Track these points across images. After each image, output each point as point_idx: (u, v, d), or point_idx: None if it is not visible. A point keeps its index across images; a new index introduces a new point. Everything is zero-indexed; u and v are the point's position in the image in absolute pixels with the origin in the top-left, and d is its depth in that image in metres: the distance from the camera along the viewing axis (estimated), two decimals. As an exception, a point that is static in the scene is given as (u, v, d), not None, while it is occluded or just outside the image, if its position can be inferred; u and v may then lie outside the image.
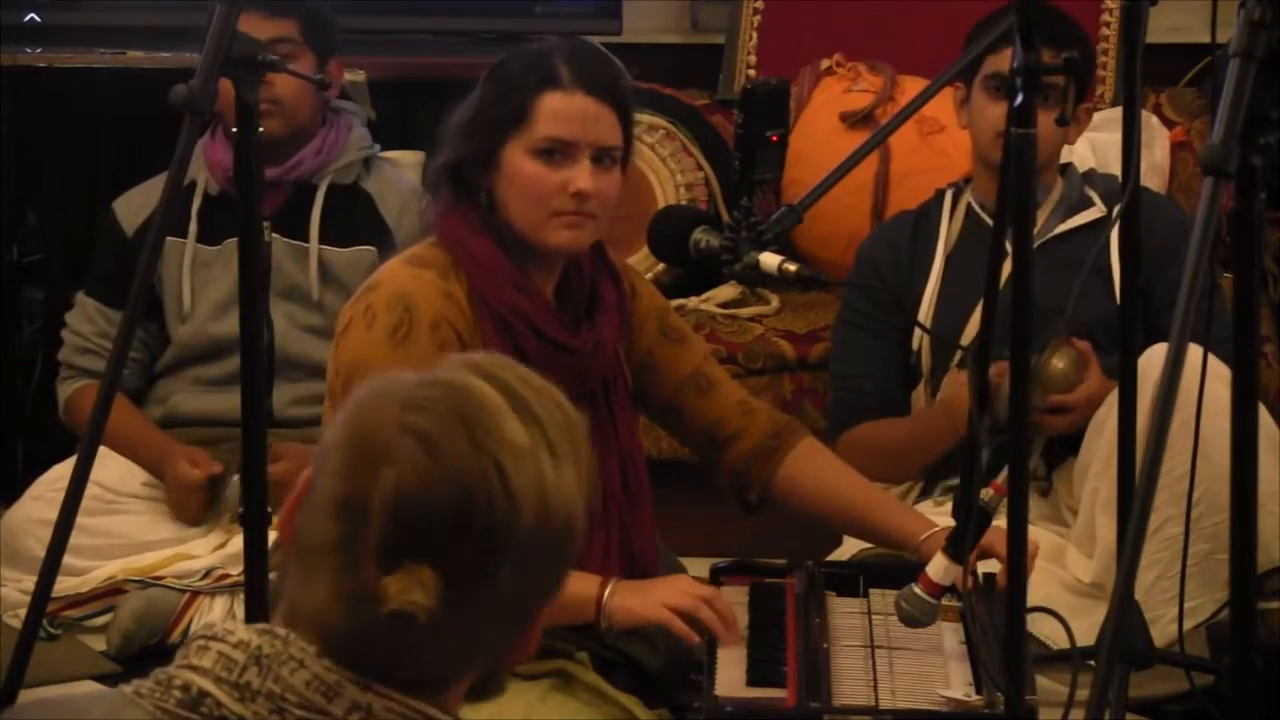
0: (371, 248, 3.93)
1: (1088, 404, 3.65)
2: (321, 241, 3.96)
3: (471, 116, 3.01)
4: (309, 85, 3.89)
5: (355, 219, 3.99)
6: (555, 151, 2.96)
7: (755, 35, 5.00)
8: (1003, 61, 3.62)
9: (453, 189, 3.02)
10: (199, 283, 3.98)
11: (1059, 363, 3.61)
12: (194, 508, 3.90)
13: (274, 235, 3.95)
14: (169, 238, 3.95)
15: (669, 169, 4.64)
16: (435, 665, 1.62)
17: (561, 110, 2.96)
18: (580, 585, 2.95)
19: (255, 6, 3.76)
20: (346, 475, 1.60)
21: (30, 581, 3.23)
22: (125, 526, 3.89)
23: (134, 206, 4.03)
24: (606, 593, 2.94)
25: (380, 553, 1.58)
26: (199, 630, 1.65)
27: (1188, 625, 3.34)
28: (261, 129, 3.74)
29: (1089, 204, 3.95)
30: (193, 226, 3.97)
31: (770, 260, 2.76)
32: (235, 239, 3.82)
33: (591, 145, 2.97)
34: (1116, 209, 3.86)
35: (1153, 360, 3.27)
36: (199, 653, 1.63)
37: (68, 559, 3.00)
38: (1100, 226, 3.89)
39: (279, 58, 3.70)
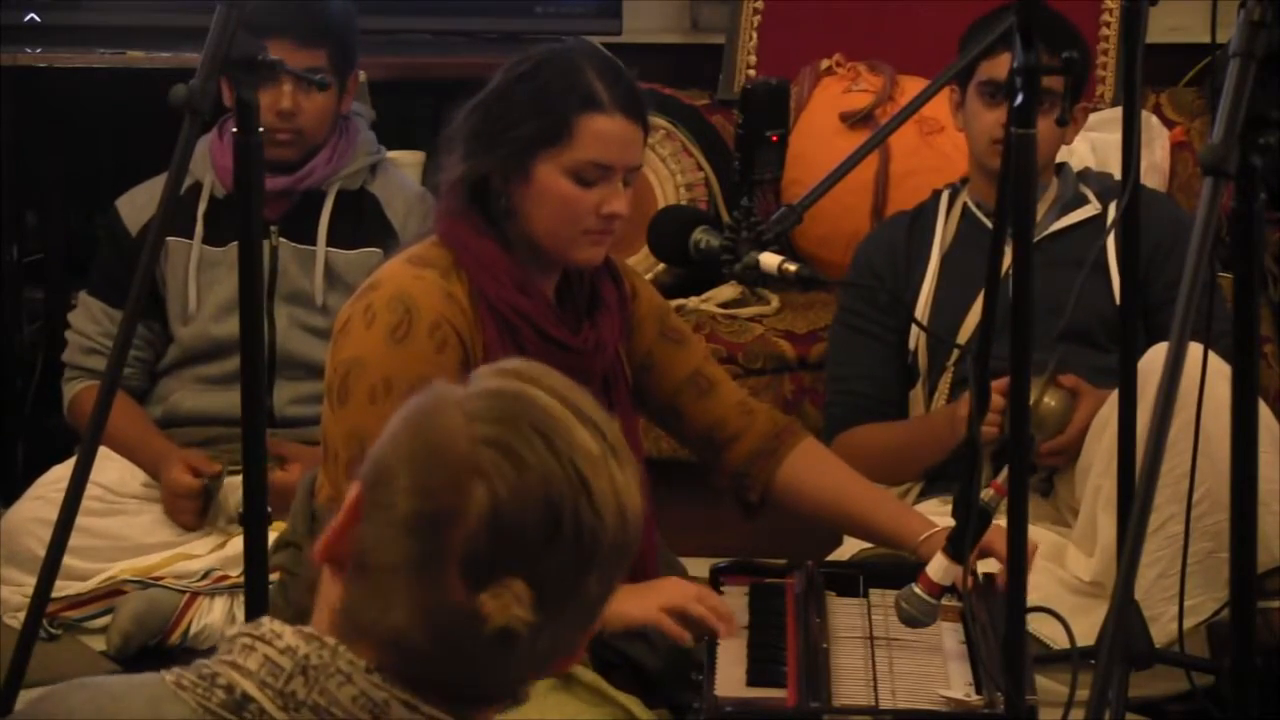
0: (377, 249, 3.92)
1: (1083, 433, 3.67)
2: (328, 244, 3.96)
3: (499, 128, 2.98)
4: (329, 110, 3.91)
5: (361, 222, 3.98)
6: (594, 176, 2.96)
7: (755, 35, 5.00)
8: (996, 68, 3.64)
9: (469, 196, 3.01)
10: (204, 284, 3.97)
11: (1050, 401, 3.64)
12: (189, 513, 3.89)
13: (281, 240, 3.95)
14: (174, 239, 3.95)
15: (669, 169, 4.64)
16: (513, 677, 1.61)
17: (605, 134, 2.94)
18: None
19: (286, 37, 3.75)
20: (425, 492, 1.57)
21: (30, 582, 3.24)
22: (126, 528, 3.89)
23: (138, 206, 4.02)
24: None
25: (468, 568, 1.56)
26: (245, 627, 1.63)
27: (1189, 624, 3.34)
28: (277, 154, 3.78)
29: (1084, 201, 3.95)
30: (198, 228, 3.96)
31: (770, 260, 2.76)
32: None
33: (626, 168, 2.98)
34: (1112, 206, 3.88)
35: (1154, 361, 3.28)
36: (244, 652, 1.61)
37: (68, 560, 3.00)
38: (1095, 223, 3.90)
39: (306, 82, 3.76)
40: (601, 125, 2.95)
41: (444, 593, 1.56)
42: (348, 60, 3.97)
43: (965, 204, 3.97)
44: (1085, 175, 4.02)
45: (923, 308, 3.91)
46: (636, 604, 2.94)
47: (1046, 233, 3.89)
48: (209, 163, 3.96)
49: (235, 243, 3.70)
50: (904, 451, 3.86)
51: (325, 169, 3.96)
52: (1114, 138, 3.70)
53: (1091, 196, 3.95)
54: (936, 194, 4.04)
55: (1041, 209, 3.91)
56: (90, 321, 4.05)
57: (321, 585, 1.65)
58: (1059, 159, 3.97)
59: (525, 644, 1.57)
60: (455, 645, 1.57)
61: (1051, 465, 3.74)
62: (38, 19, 4.88)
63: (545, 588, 1.57)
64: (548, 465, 1.57)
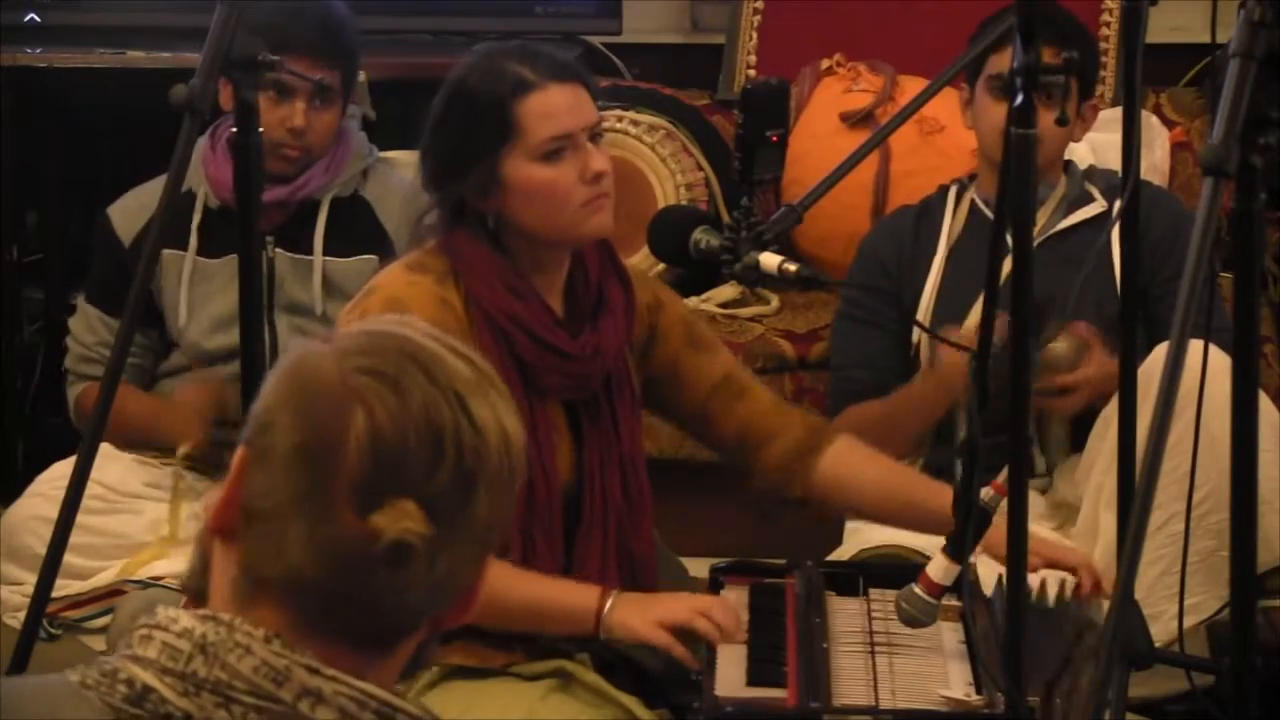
0: (373, 256, 3.92)
1: (1090, 385, 3.67)
2: (324, 254, 3.95)
3: (455, 150, 2.99)
4: (336, 125, 3.92)
5: (356, 228, 3.98)
6: (559, 149, 2.96)
7: (755, 35, 5.00)
8: (1005, 63, 3.63)
9: (454, 217, 3.02)
10: (198, 297, 3.96)
11: (1059, 345, 3.63)
12: (192, 421, 3.88)
13: (277, 250, 3.94)
14: (168, 250, 3.93)
15: (669, 169, 4.64)
16: (408, 609, 1.62)
17: (547, 108, 2.95)
18: (579, 597, 2.94)
19: (302, 54, 3.74)
20: (305, 425, 1.59)
21: (30, 579, 3.24)
22: (126, 526, 3.89)
23: (129, 213, 4.01)
24: (607, 606, 2.93)
25: (357, 494, 1.57)
26: (142, 619, 1.63)
27: (1191, 622, 3.34)
28: (280, 168, 3.79)
29: (1090, 199, 3.96)
30: (193, 240, 3.96)
31: (770, 260, 2.76)
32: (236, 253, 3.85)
33: (585, 128, 2.98)
34: (1118, 204, 3.88)
35: (1158, 363, 3.28)
36: (142, 642, 1.61)
37: (68, 558, 3.00)
38: (1102, 221, 3.90)
39: (318, 100, 3.78)
40: (539, 102, 2.95)
41: (335, 522, 1.57)
42: (355, 76, 3.99)
43: (973, 200, 3.98)
44: (1091, 173, 4.03)
45: (928, 302, 3.92)
46: (640, 618, 2.93)
47: (1053, 230, 3.89)
48: (203, 173, 3.95)
49: (230, 256, 3.73)
50: (898, 416, 3.86)
51: (322, 178, 3.96)
52: (1114, 138, 3.70)
53: (1097, 194, 3.96)
54: (944, 189, 4.05)
55: (1049, 207, 3.92)
56: (88, 331, 4.05)
57: (214, 564, 1.65)
58: (1065, 157, 3.98)
59: (422, 563, 1.58)
60: (351, 572, 1.58)
61: (1060, 410, 3.71)
62: (38, 19, 4.89)
63: (434, 507, 1.58)
64: (425, 389, 1.60)
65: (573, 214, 2.97)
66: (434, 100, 3.04)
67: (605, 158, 2.99)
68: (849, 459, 3.21)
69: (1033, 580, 2.95)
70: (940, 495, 3.13)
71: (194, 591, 1.66)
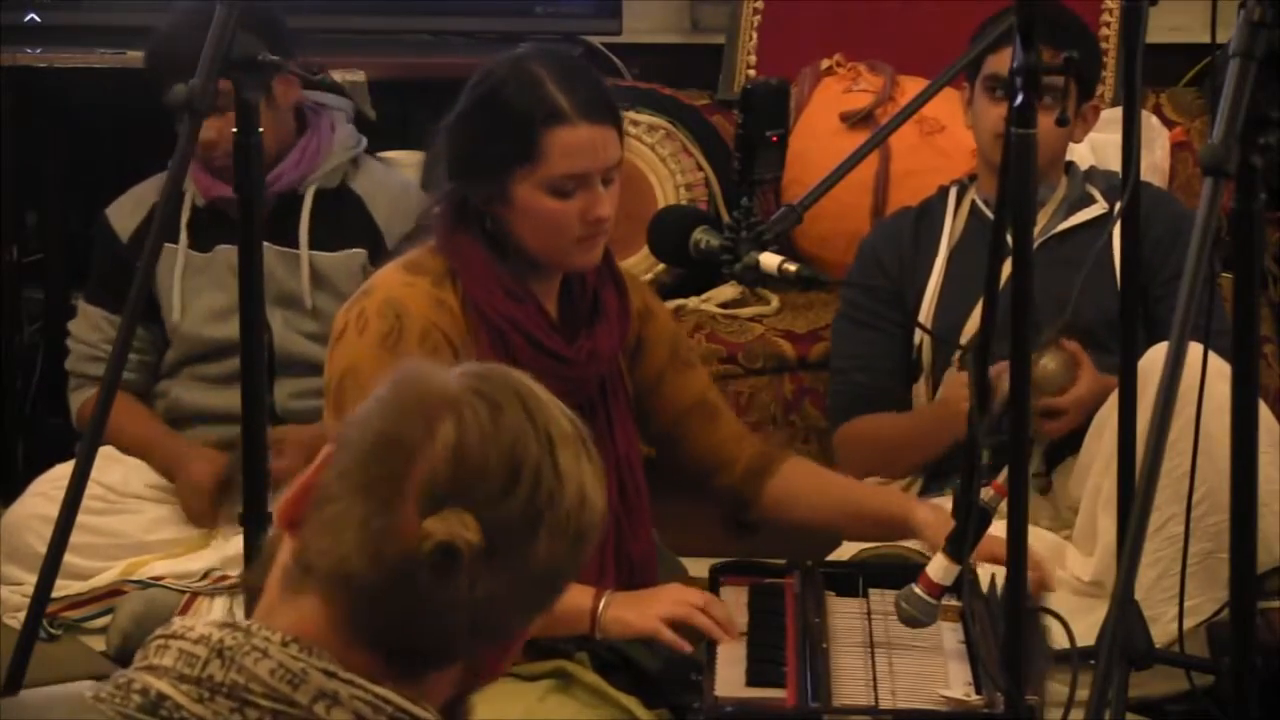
0: (362, 250, 3.92)
1: (1081, 405, 3.66)
2: (311, 247, 3.95)
3: (472, 152, 2.98)
4: (277, 116, 3.87)
5: (344, 222, 3.97)
6: (570, 185, 2.96)
7: (755, 35, 5.00)
8: (1001, 63, 3.63)
9: (456, 215, 3.02)
10: (191, 290, 3.97)
11: (1049, 363, 3.62)
12: (206, 511, 3.89)
13: (264, 243, 3.93)
14: (164, 244, 3.94)
15: (669, 169, 4.64)
16: (445, 631, 1.61)
17: (573, 146, 2.94)
18: (574, 597, 2.94)
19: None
20: (398, 417, 1.60)
21: (30, 579, 3.23)
22: (127, 526, 3.89)
23: (125, 211, 4.03)
24: (601, 605, 2.94)
25: (425, 494, 1.58)
26: (158, 630, 1.65)
27: (1188, 624, 3.34)
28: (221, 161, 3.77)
29: (1090, 201, 3.96)
30: (183, 236, 3.97)
31: (770, 260, 2.76)
32: (224, 246, 3.84)
33: (603, 169, 2.97)
34: (1118, 205, 3.88)
35: (1155, 361, 3.27)
36: (159, 652, 1.62)
37: (69, 559, 3.00)
38: (1102, 223, 3.90)
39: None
40: (568, 138, 2.94)
41: (394, 515, 1.58)
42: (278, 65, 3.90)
43: (973, 201, 3.98)
44: (1091, 174, 4.03)
45: (928, 303, 3.91)
46: (634, 612, 2.94)
47: (1054, 232, 3.89)
48: (190, 174, 3.94)
49: (219, 248, 3.71)
50: (904, 443, 3.86)
51: (295, 171, 3.94)
52: (1114, 138, 3.70)
53: (1098, 195, 3.96)
54: (944, 189, 4.05)
55: (1050, 208, 3.92)
56: (91, 330, 4.05)
57: (279, 555, 1.66)
58: (1066, 158, 3.97)
59: (464, 578, 1.58)
60: (395, 570, 1.58)
61: (1048, 433, 3.71)
62: (38, 19, 4.88)
63: (493, 531, 1.59)
64: (520, 421, 1.62)
65: (565, 246, 2.98)
66: (465, 89, 3.01)
67: (613, 203, 2.99)
68: (795, 478, 3.28)
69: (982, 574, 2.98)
70: (881, 498, 3.28)
71: (252, 586, 1.67)
